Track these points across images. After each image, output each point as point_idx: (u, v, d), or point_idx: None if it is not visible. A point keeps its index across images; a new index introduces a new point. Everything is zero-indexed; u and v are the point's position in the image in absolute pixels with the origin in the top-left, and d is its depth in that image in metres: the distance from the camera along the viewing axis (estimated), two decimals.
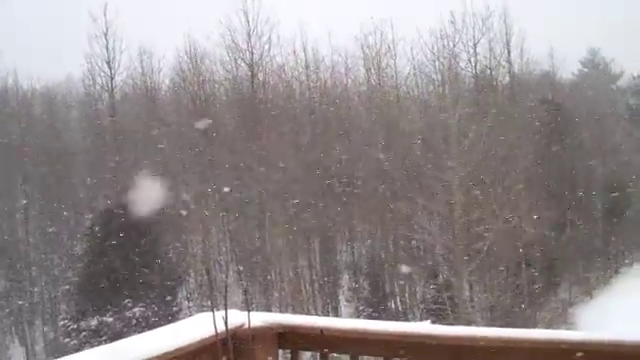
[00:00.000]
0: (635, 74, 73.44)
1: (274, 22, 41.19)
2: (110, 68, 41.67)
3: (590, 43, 74.98)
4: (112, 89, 42.67)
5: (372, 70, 48.49)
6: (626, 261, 52.42)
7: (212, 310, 3.69)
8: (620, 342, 3.52)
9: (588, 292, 44.73)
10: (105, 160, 41.30)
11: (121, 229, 34.44)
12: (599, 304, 42.37)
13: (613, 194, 47.53)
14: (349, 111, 48.00)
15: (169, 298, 37.01)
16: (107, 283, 34.01)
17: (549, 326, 36.46)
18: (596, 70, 78.04)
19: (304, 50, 46.08)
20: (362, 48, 47.35)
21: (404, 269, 37.74)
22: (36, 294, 43.48)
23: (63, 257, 43.57)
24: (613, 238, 47.69)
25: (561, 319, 39.61)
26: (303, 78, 47.47)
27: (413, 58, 44.64)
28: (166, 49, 45.61)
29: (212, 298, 35.33)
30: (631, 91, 75.04)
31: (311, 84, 47.96)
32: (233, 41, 41.21)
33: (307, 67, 47.33)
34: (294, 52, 45.47)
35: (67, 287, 39.97)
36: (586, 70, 77.93)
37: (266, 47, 41.66)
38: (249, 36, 41.04)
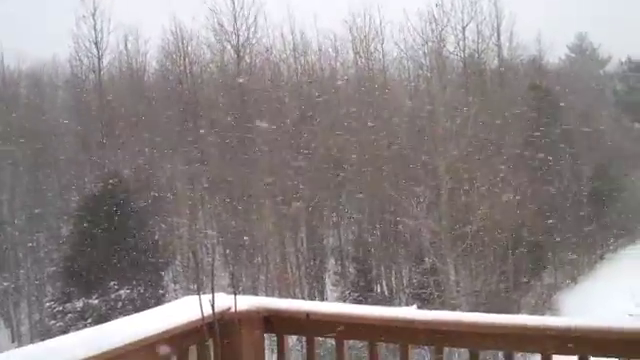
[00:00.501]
0: (623, 59, 73.61)
1: (260, 4, 40.96)
2: (98, 49, 41.49)
3: (578, 28, 74.97)
4: (99, 70, 42.44)
5: (360, 54, 48.42)
6: (610, 247, 52.71)
7: (199, 293, 3.68)
8: (606, 328, 3.54)
9: (573, 277, 44.97)
10: (92, 141, 41.14)
11: (107, 211, 34.36)
12: (583, 289, 42.63)
13: (599, 180, 47.75)
14: (337, 95, 47.87)
15: (155, 280, 37.00)
16: (93, 265, 33.93)
17: (534, 311, 36.70)
18: (583, 55, 78.12)
19: (292, 33, 46.02)
20: (350, 31, 47.28)
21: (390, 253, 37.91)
22: (22, 276, 43.39)
23: (49, 239, 43.43)
24: (598, 224, 47.87)
25: (546, 304, 39.86)
26: (290, 61, 47.39)
27: (402, 41, 44.45)
28: (153, 30, 45.46)
29: (199, 281, 35.19)
30: (618, 77, 75.21)
31: (298, 67, 47.85)
32: (219, 23, 40.98)
33: (294, 50, 47.26)
34: (281, 35, 45.40)
35: (53, 269, 39.89)
36: (574, 55, 77.96)
37: (252, 30, 41.45)
38: (235, 18, 40.84)
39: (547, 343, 3.59)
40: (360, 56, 48.46)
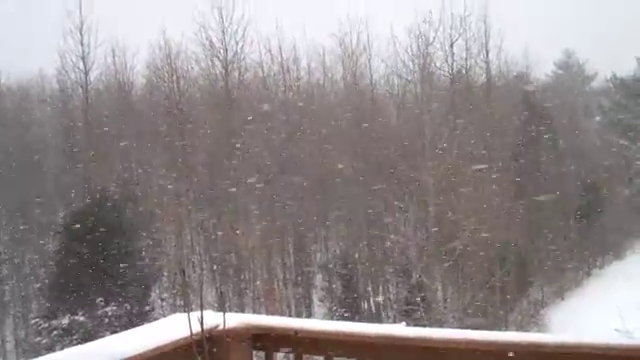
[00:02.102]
0: (608, 76, 74.21)
1: (249, 20, 41.03)
2: (84, 64, 41.35)
3: (564, 44, 75.60)
4: (87, 85, 42.33)
5: (349, 69, 48.60)
6: (597, 263, 52.94)
7: (187, 311, 3.69)
8: (602, 345, 3.56)
9: (560, 293, 45.10)
10: (78, 156, 41.00)
11: (94, 227, 34.16)
12: (570, 305, 42.78)
13: (585, 196, 48.01)
14: (325, 110, 48.02)
15: (142, 297, 36.79)
16: (79, 281, 33.69)
17: (521, 327, 36.79)
18: (570, 71, 78.74)
19: (280, 48, 46.19)
20: (339, 46, 47.52)
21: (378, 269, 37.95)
22: (7, 292, 43.08)
23: (35, 255, 43.17)
24: (585, 240, 48.09)
25: (533, 320, 39.95)
26: (279, 77, 47.51)
27: (390, 57, 44.57)
28: (140, 45, 45.32)
29: (187, 299, 35.20)
30: (604, 93, 75.82)
31: (287, 82, 47.95)
32: (207, 38, 41.02)
33: (283, 65, 47.41)
34: (269, 51, 45.53)
35: (38, 285, 39.63)
36: (560, 71, 78.60)
37: (240, 45, 41.51)
38: (223, 33, 40.87)
39: None
40: (348, 71, 48.66)
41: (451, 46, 42.54)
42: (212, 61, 41.93)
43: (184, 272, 38.62)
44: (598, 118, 67.21)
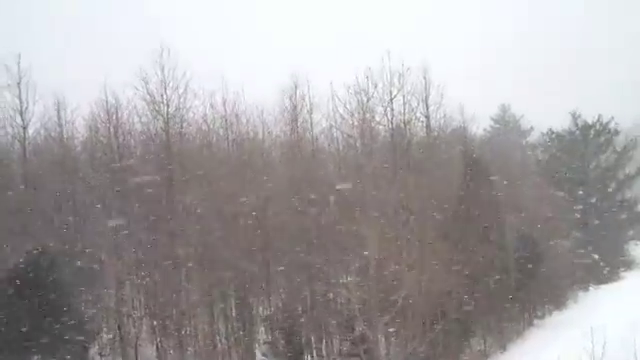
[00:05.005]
0: (544, 131, 76.23)
1: (190, 76, 41.19)
2: (22, 118, 40.94)
3: (500, 100, 77.75)
4: (24, 139, 41.84)
5: (290, 123, 49.10)
6: (538, 313, 53.64)
7: None
8: None
9: (502, 344, 45.40)
10: (16, 211, 40.28)
11: (31, 283, 33.47)
12: (512, 356, 43.13)
13: (525, 247, 48.78)
14: (267, 164, 48.30)
15: (80, 354, 35.99)
16: (15, 339, 32.89)
17: None
18: (506, 126, 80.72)
19: (224, 103, 46.64)
20: (282, 100, 48.16)
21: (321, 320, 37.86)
22: None
23: None
24: (525, 290, 48.70)
25: None
26: (221, 132, 47.78)
27: (331, 111, 45.13)
28: (81, 99, 45.02)
29: (124, 354, 34.63)
30: (541, 147, 77.76)
31: (229, 136, 48.20)
32: (148, 93, 41.04)
33: (225, 120, 47.70)
34: (212, 105, 45.86)
35: None
36: (497, 126, 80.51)
37: (182, 100, 41.59)
38: (164, 88, 40.94)
39: None
40: (290, 126, 49.16)
41: (391, 101, 43.28)
42: (153, 114, 41.88)
43: (120, 328, 38.04)
44: (535, 171, 68.69)
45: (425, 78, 45.19)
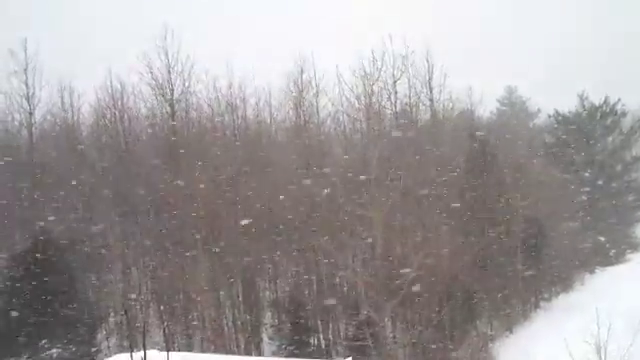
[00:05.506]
0: (550, 113, 75.84)
1: (195, 60, 41.21)
2: (29, 104, 41.03)
3: (506, 82, 77.21)
4: (31, 125, 41.95)
5: (296, 107, 49.02)
6: (545, 295, 53.53)
7: (130, 351, 3.70)
8: None
9: (509, 327, 45.37)
10: (22, 197, 40.43)
11: (38, 268, 33.63)
12: (519, 339, 43.09)
13: (531, 229, 48.60)
14: (273, 148, 48.24)
15: (88, 338, 36.18)
16: (23, 324, 33.09)
17: None
18: (513, 108, 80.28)
19: (230, 87, 46.53)
20: (287, 85, 48.04)
21: (327, 304, 37.87)
22: None
23: None
24: (532, 273, 48.59)
25: (482, 354, 40.09)
26: (226, 116, 47.72)
27: (337, 95, 45.07)
28: (87, 84, 45.13)
29: (132, 340, 34.71)
30: (547, 130, 77.39)
31: (235, 120, 48.13)
32: (153, 78, 41.03)
33: (231, 104, 47.63)
34: (215, 88, 45.80)
35: None
36: (504, 108, 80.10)
37: (186, 84, 41.61)
38: (169, 72, 40.95)
39: None
40: (295, 109, 49.07)
41: (394, 84, 43.21)
42: (158, 100, 41.92)
43: (126, 312, 38.13)
44: (542, 153, 68.37)
45: (428, 61, 45.14)
